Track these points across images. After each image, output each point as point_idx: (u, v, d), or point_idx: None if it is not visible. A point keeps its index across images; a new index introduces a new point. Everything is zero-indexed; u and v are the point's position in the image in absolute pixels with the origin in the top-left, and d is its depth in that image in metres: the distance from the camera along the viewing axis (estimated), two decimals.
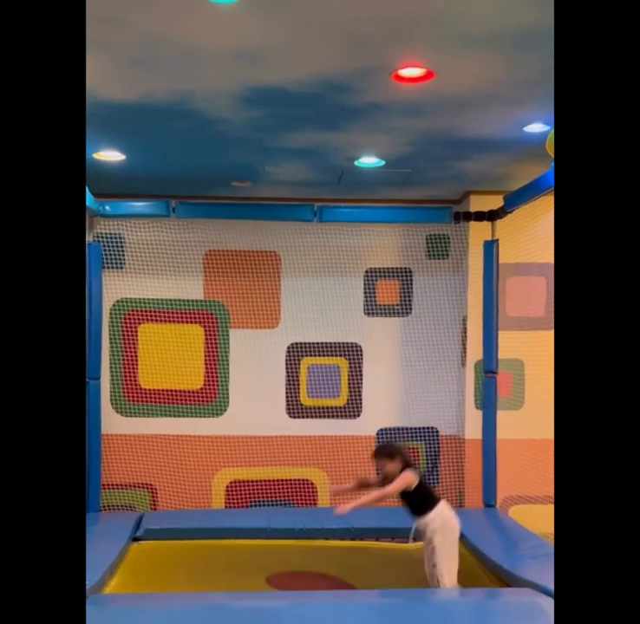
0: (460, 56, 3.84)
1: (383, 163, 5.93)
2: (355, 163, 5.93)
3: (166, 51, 3.82)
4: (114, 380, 7.13)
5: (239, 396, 7.23)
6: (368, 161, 5.89)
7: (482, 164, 5.97)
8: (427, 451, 7.30)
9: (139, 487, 7.13)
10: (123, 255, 7.05)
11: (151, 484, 7.13)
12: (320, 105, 4.56)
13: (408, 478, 4.76)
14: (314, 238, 7.15)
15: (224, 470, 7.19)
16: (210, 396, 7.23)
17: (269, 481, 7.18)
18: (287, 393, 7.29)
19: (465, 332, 7.11)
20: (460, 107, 4.62)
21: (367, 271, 7.31)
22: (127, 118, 4.86)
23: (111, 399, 7.11)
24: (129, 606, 4.31)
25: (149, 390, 7.16)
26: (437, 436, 7.30)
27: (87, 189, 5.88)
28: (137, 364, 7.16)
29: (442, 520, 4.88)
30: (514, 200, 6.24)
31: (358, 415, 7.31)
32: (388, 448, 5.00)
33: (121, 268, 7.06)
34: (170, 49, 3.80)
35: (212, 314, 7.23)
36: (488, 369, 6.73)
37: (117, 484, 7.06)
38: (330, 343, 7.31)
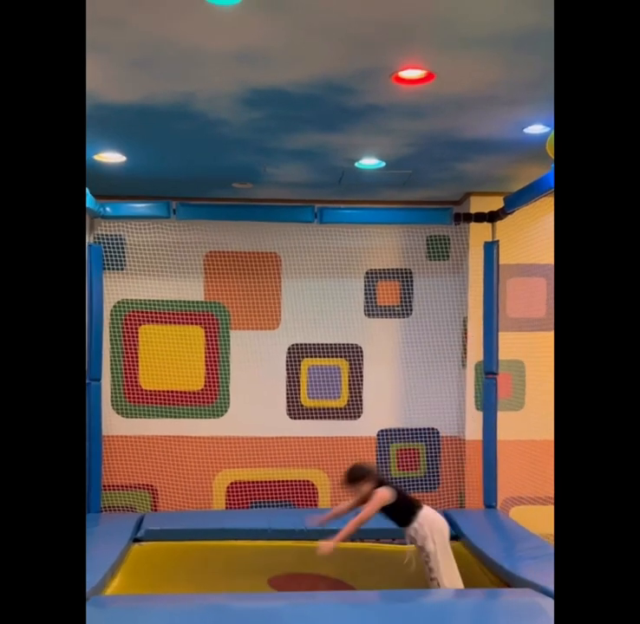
0: (461, 58, 3.85)
1: (384, 164, 5.93)
2: (356, 164, 5.94)
3: (166, 53, 3.82)
4: (114, 381, 7.14)
5: (240, 397, 7.24)
6: (369, 162, 5.89)
7: (482, 165, 5.97)
8: (427, 452, 7.30)
9: (139, 488, 7.13)
10: (124, 256, 7.06)
11: (152, 485, 7.13)
12: (321, 106, 4.56)
13: (383, 496, 4.72)
14: (314, 239, 7.15)
15: (224, 471, 7.20)
16: (210, 397, 7.24)
17: (269, 482, 7.19)
18: (288, 394, 7.30)
19: (465, 333, 7.11)
20: (460, 109, 4.63)
21: (367, 272, 7.32)
22: (127, 119, 4.86)
23: (112, 401, 7.11)
24: (130, 607, 4.31)
25: (150, 391, 7.17)
26: (437, 437, 7.30)
27: (87, 190, 5.89)
28: (138, 365, 7.16)
29: (429, 525, 4.87)
30: (514, 201, 6.24)
31: (359, 416, 7.32)
32: (356, 471, 4.90)
33: (122, 269, 7.07)
34: (171, 51, 3.80)
35: (212, 315, 7.24)
36: (489, 370, 6.73)
37: (118, 485, 7.06)
38: (331, 344, 7.31)
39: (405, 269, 7.34)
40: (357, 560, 5.71)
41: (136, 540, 6.01)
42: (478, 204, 6.90)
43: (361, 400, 7.33)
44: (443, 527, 4.94)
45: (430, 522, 4.89)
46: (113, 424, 7.02)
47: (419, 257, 7.32)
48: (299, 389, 7.31)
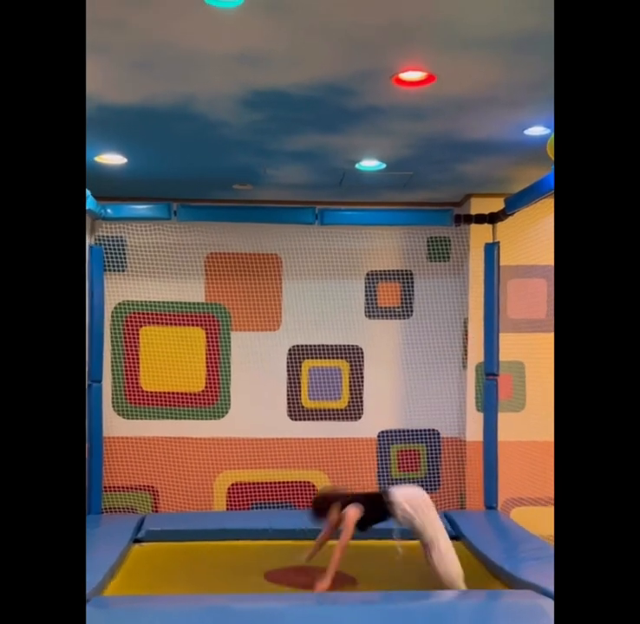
0: (461, 60, 3.86)
1: (384, 166, 5.94)
2: (356, 166, 5.94)
3: (167, 54, 3.83)
4: (115, 382, 7.14)
5: (241, 398, 7.24)
6: (369, 164, 5.90)
7: (483, 166, 5.98)
8: (428, 454, 7.30)
9: (140, 489, 7.13)
10: (125, 258, 7.07)
11: (152, 487, 7.14)
12: (321, 108, 4.57)
13: (353, 515, 4.70)
14: (315, 241, 7.16)
15: (225, 472, 7.20)
16: (211, 398, 7.24)
17: (270, 483, 7.19)
18: (288, 395, 7.30)
19: (466, 334, 7.12)
20: (460, 110, 4.63)
21: (368, 274, 7.32)
22: (128, 121, 4.87)
23: (113, 402, 7.12)
24: (131, 608, 4.31)
25: (151, 392, 7.17)
26: (438, 438, 7.30)
27: (88, 192, 5.90)
28: (139, 367, 7.17)
29: (408, 503, 4.83)
30: (515, 203, 6.25)
31: (359, 417, 7.32)
32: (319, 503, 4.85)
33: (123, 271, 7.08)
34: (171, 52, 3.81)
35: (213, 316, 7.24)
36: (489, 371, 6.74)
37: (119, 487, 7.07)
38: (331, 346, 7.31)
39: (406, 271, 7.34)
40: (358, 556, 5.70)
41: (137, 541, 6.02)
42: (478, 206, 6.90)
43: (361, 401, 7.33)
44: (423, 499, 4.90)
45: (408, 500, 4.86)
46: (114, 425, 7.02)
47: (419, 259, 7.32)
48: (300, 390, 7.32)
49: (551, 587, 4.03)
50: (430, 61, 3.91)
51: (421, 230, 7.24)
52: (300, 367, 7.32)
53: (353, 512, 4.73)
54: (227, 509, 7.20)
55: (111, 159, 5.76)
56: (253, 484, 7.20)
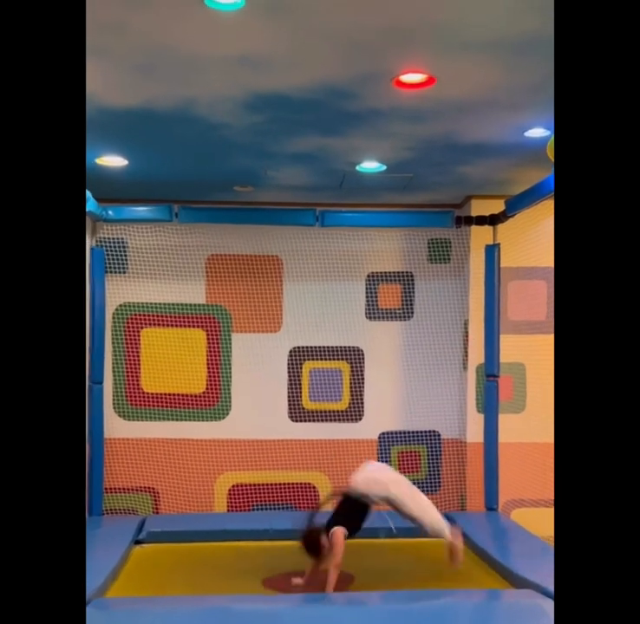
0: (461, 62, 3.86)
1: (385, 168, 5.95)
2: (357, 168, 5.95)
3: (168, 57, 3.84)
4: (116, 383, 7.15)
5: (241, 400, 7.25)
6: (370, 166, 5.91)
7: (483, 168, 5.99)
8: (428, 455, 7.31)
9: (141, 491, 7.14)
10: (126, 259, 7.08)
11: (153, 488, 7.15)
12: (322, 110, 4.58)
13: (339, 537, 4.74)
14: (316, 243, 7.17)
15: (226, 473, 7.21)
16: (212, 400, 7.25)
17: (271, 484, 7.20)
18: (289, 396, 7.31)
19: (466, 335, 7.12)
20: (461, 112, 4.64)
21: (368, 275, 7.33)
22: (129, 124, 4.88)
23: (114, 403, 7.13)
24: (131, 609, 4.32)
25: (152, 394, 7.18)
26: (439, 439, 7.31)
27: (90, 194, 5.91)
28: (139, 368, 7.18)
29: (372, 482, 4.91)
30: (515, 204, 6.26)
31: (360, 419, 7.33)
32: (308, 541, 4.82)
33: (124, 272, 7.09)
34: (172, 55, 3.82)
35: (214, 318, 7.25)
36: (490, 373, 6.75)
37: (120, 488, 7.08)
38: (332, 347, 7.32)
39: (406, 272, 7.35)
40: (358, 555, 5.70)
41: (138, 542, 6.03)
42: (479, 208, 6.92)
43: (362, 403, 7.34)
44: (372, 475, 4.97)
45: (369, 481, 4.93)
46: (114, 426, 7.03)
47: (420, 260, 7.33)
48: (301, 392, 7.32)
49: (551, 587, 4.04)
50: (430, 64, 3.92)
51: (422, 232, 7.25)
52: (301, 368, 7.32)
53: (339, 533, 4.78)
54: (228, 510, 7.21)
55: (112, 161, 5.77)
56: (254, 485, 7.21)
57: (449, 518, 6.49)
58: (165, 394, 7.18)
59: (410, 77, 4.07)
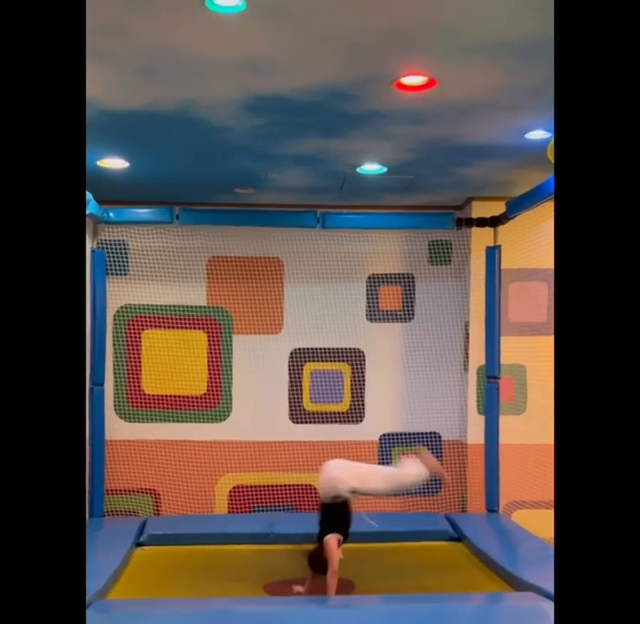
0: (462, 65, 3.87)
1: (385, 170, 5.95)
2: (358, 170, 5.96)
3: (169, 60, 3.84)
4: (117, 385, 7.16)
5: (242, 401, 7.25)
6: (371, 168, 5.92)
7: (484, 170, 5.99)
8: None
9: (142, 493, 7.14)
10: (127, 261, 7.08)
11: (154, 490, 7.15)
12: (323, 113, 4.59)
13: (333, 544, 4.77)
14: (317, 244, 7.17)
15: (227, 475, 7.21)
16: (213, 401, 7.25)
17: (272, 486, 7.20)
18: (290, 398, 7.31)
19: (467, 337, 7.13)
20: (461, 115, 4.65)
21: (369, 277, 7.34)
22: (130, 126, 4.89)
23: (115, 405, 7.13)
24: (133, 612, 4.32)
25: (152, 396, 7.18)
26: (439, 441, 7.31)
27: (91, 196, 5.92)
28: (140, 370, 7.18)
29: (336, 482, 4.93)
30: (516, 206, 6.26)
31: (361, 420, 7.33)
32: (314, 561, 4.83)
33: (125, 274, 7.09)
34: (174, 58, 3.83)
35: (215, 320, 7.26)
36: (490, 374, 6.75)
37: (121, 490, 7.08)
38: (333, 349, 7.32)
39: (407, 274, 7.36)
40: (360, 560, 5.71)
41: (139, 544, 6.03)
42: (480, 209, 6.92)
43: (363, 404, 7.34)
44: (332, 475, 4.99)
45: (331, 483, 4.96)
46: (115, 428, 7.04)
47: (421, 262, 7.34)
48: (301, 393, 7.33)
49: (552, 589, 4.05)
50: (431, 66, 3.92)
51: (423, 234, 7.26)
52: (302, 370, 7.33)
53: (332, 541, 4.80)
54: (229, 512, 7.21)
55: (113, 163, 5.78)
56: (255, 487, 7.21)
57: (450, 520, 6.53)
58: (166, 396, 7.19)
59: (411, 79, 4.08)
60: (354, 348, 7.34)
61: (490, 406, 6.76)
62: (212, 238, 7.14)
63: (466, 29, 3.49)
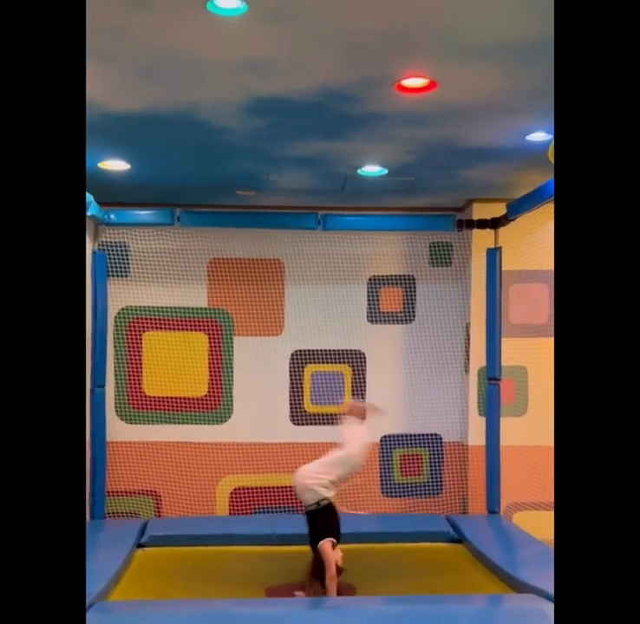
0: (463, 67, 3.87)
1: (386, 171, 5.96)
2: (359, 171, 5.96)
3: (171, 62, 3.85)
4: (118, 387, 7.16)
5: (243, 403, 7.26)
6: (372, 170, 5.92)
7: (485, 172, 6.00)
8: (430, 458, 7.31)
9: (143, 494, 7.15)
10: (128, 263, 7.09)
11: (155, 491, 7.15)
12: (324, 114, 4.59)
13: (328, 549, 4.83)
14: (318, 246, 7.18)
15: (228, 476, 7.21)
16: (214, 403, 7.25)
17: (273, 488, 7.20)
18: (291, 400, 7.31)
19: (468, 339, 7.13)
20: (462, 117, 4.65)
21: (370, 279, 7.34)
22: (132, 128, 4.89)
23: (116, 407, 7.14)
24: (134, 613, 4.33)
25: (154, 397, 7.19)
26: (440, 442, 7.31)
27: (92, 198, 5.93)
28: (141, 371, 7.19)
29: (305, 489, 5.06)
30: (517, 208, 6.27)
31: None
32: (318, 572, 4.90)
33: (126, 276, 7.10)
34: (175, 60, 3.83)
35: (216, 321, 7.26)
36: (491, 376, 6.75)
37: (122, 491, 7.08)
38: (334, 350, 7.33)
39: (408, 276, 7.36)
40: (361, 561, 5.71)
41: (140, 546, 6.03)
42: (480, 211, 6.93)
43: None
44: (299, 482, 5.11)
45: (302, 490, 5.08)
46: (117, 430, 7.04)
47: (422, 264, 7.34)
48: (302, 395, 7.33)
49: (553, 591, 4.05)
50: (432, 68, 3.92)
51: (424, 236, 7.26)
52: (303, 371, 7.33)
53: (326, 546, 4.85)
54: (230, 513, 7.21)
55: (114, 165, 5.78)
56: (256, 488, 7.21)
57: (451, 521, 6.53)
58: (167, 398, 7.19)
59: (412, 81, 4.08)
60: (355, 350, 7.35)
61: (491, 408, 6.76)
62: (213, 240, 7.14)
63: (466, 31, 3.49)
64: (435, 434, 7.31)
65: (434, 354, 7.30)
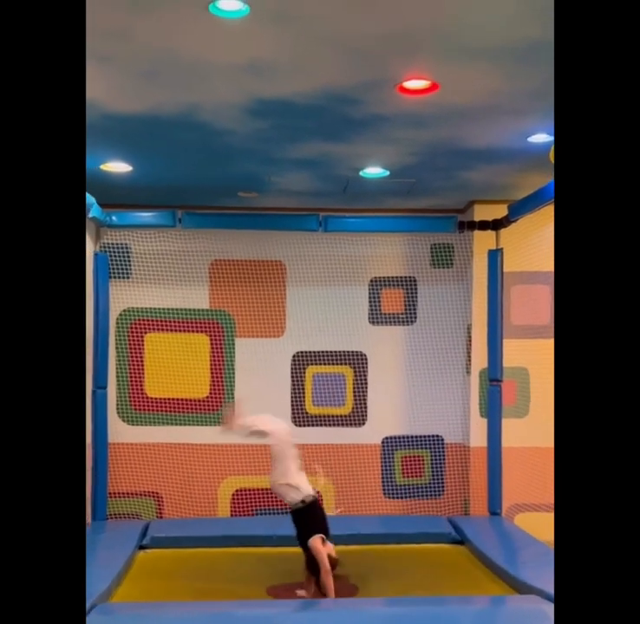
0: (464, 68, 3.88)
1: (388, 173, 5.96)
2: (360, 173, 5.97)
3: (173, 64, 3.85)
4: (120, 388, 7.17)
5: (245, 404, 7.24)
6: (373, 171, 5.93)
7: (486, 174, 6.00)
8: (432, 459, 7.31)
9: (145, 495, 7.15)
10: (130, 265, 7.09)
11: (157, 493, 7.15)
12: (325, 116, 4.60)
13: (318, 546, 4.85)
14: (319, 248, 7.18)
15: (229, 478, 7.21)
16: (216, 404, 7.26)
17: None
18: (292, 401, 7.31)
19: (469, 340, 7.13)
20: (464, 118, 4.66)
21: (372, 280, 7.35)
22: (134, 130, 4.90)
23: (118, 408, 7.14)
24: (136, 614, 4.33)
25: (155, 399, 7.19)
26: (442, 444, 7.31)
27: (94, 199, 5.93)
28: (143, 373, 7.19)
29: (285, 488, 5.17)
30: (518, 209, 6.27)
31: (363, 423, 7.34)
32: (312, 567, 4.94)
33: (128, 278, 7.11)
34: (177, 62, 3.84)
35: (217, 323, 7.27)
36: (493, 377, 6.75)
37: (123, 493, 7.08)
38: (335, 352, 7.33)
39: (409, 277, 7.36)
40: (362, 561, 5.72)
41: (142, 547, 6.04)
42: (482, 213, 6.93)
43: (365, 408, 7.34)
44: (275, 484, 5.23)
45: (283, 491, 5.18)
46: (118, 431, 7.05)
47: (423, 265, 7.35)
48: (304, 396, 7.33)
49: None
50: (433, 70, 3.93)
51: (425, 237, 7.27)
52: (304, 373, 7.34)
53: (316, 542, 4.88)
54: (231, 515, 7.21)
55: (116, 166, 5.79)
56: (257, 490, 7.21)
57: (453, 523, 6.54)
58: (168, 399, 7.19)
59: (413, 83, 4.08)
60: (356, 351, 7.35)
61: (492, 409, 6.76)
62: (214, 242, 7.15)
63: (467, 32, 3.50)
64: (437, 435, 7.31)
65: (435, 355, 7.30)
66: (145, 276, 7.12)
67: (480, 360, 6.97)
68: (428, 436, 7.31)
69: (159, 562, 5.83)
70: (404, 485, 7.29)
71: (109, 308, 6.78)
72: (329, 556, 4.84)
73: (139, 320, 7.18)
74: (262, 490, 7.19)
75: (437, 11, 3.28)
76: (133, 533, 6.14)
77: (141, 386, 7.19)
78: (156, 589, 5.17)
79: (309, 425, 7.28)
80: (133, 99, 4.36)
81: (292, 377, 7.32)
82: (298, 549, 4.97)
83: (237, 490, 7.22)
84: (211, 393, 7.26)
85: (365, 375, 7.35)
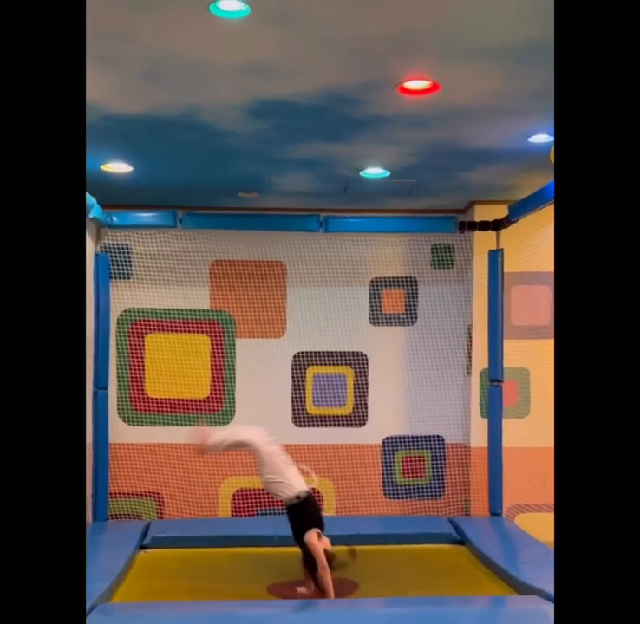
0: (465, 69, 3.88)
1: (389, 173, 5.97)
2: (361, 173, 5.97)
3: (173, 65, 3.86)
4: (121, 389, 7.17)
5: (245, 405, 7.26)
6: (374, 172, 5.93)
7: (487, 174, 6.00)
8: (432, 460, 7.31)
9: (146, 496, 7.15)
10: (130, 265, 7.10)
11: (158, 493, 7.16)
12: (326, 117, 4.60)
13: (314, 542, 4.86)
14: (320, 248, 7.19)
15: (230, 478, 7.21)
16: (216, 405, 7.26)
17: None
18: (293, 401, 7.32)
19: (470, 341, 7.13)
20: (464, 119, 4.66)
21: (372, 281, 7.35)
22: (135, 130, 4.90)
23: (118, 409, 7.14)
24: (136, 615, 4.33)
25: (156, 399, 7.20)
26: (443, 444, 7.31)
27: (94, 200, 5.94)
28: (144, 373, 7.20)
29: (277, 484, 5.17)
30: (519, 210, 6.27)
31: (364, 424, 7.34)
32: (309, 563, 4.96)
33: (128, 278, 7.11)
34: (178, 63, 3.84)
35: (218, 323, 7.27)
36: (493, 378, 6.76)
37: (124, 493, 7.09)
38: (336, 352, 7.34)
39: (410, 278, 7.37)
40: (363, 561, 5.71)
41: (142, 547, 6.04)
42: (482, 213, 6.93)
43: (366, 408, 7.35)
44: (266, 481, 5.24)
45: (276, 488, 5.19)
46: (119, 432, 7.05)
47: (423, 266, 7.35)
48: (304, 397, 7.34)
49: None
50: (434, 71, 3.93)
51: (425, 237, 7.27)
52: (305, 373, 7.34)
53: (312, 537, 4.89)
54: (232, 515, 7.21)
55: (117, 167, 5.79)
56: (258, 490, 7.19)
57: (454, 523, 6.54)
58: (169, 399, 7.20)
59: (414, 84, 4.09)
60: (357, 352, 7.35)
61: (493, 410, 6.77)
62: (215, 242, 7.15)
63: (468, 33, 3.50)
64: (437, 436, 7.31)
65: (436, 355, 7.30)
66: (145, 277, 7.12)
67: (480, 360, 6.97)
68: (429, 436, 7.31)
69: (159, 562, 5.84)
70: (405, 486, 7.29)
71: (110, 309, 6.78)
72: (326, 551, 4.83)
73: (139, 320, 7.19)
74: (262, 490, 7.17)
75: (437, 12, 3.28)
76: (134, 533, 6.14)
77: (142, 386, 7.19)
78: (157, 589, 5.17)
79: (309, 426, 7.29)
80: (134, 99, 4.37)
81: (293, 377, 7.33)
82: (299, 549, 4.98)
83: (237, 491, 7.22)
84: (211, 394, 7.26)
85: (366, 376, 7.35)
